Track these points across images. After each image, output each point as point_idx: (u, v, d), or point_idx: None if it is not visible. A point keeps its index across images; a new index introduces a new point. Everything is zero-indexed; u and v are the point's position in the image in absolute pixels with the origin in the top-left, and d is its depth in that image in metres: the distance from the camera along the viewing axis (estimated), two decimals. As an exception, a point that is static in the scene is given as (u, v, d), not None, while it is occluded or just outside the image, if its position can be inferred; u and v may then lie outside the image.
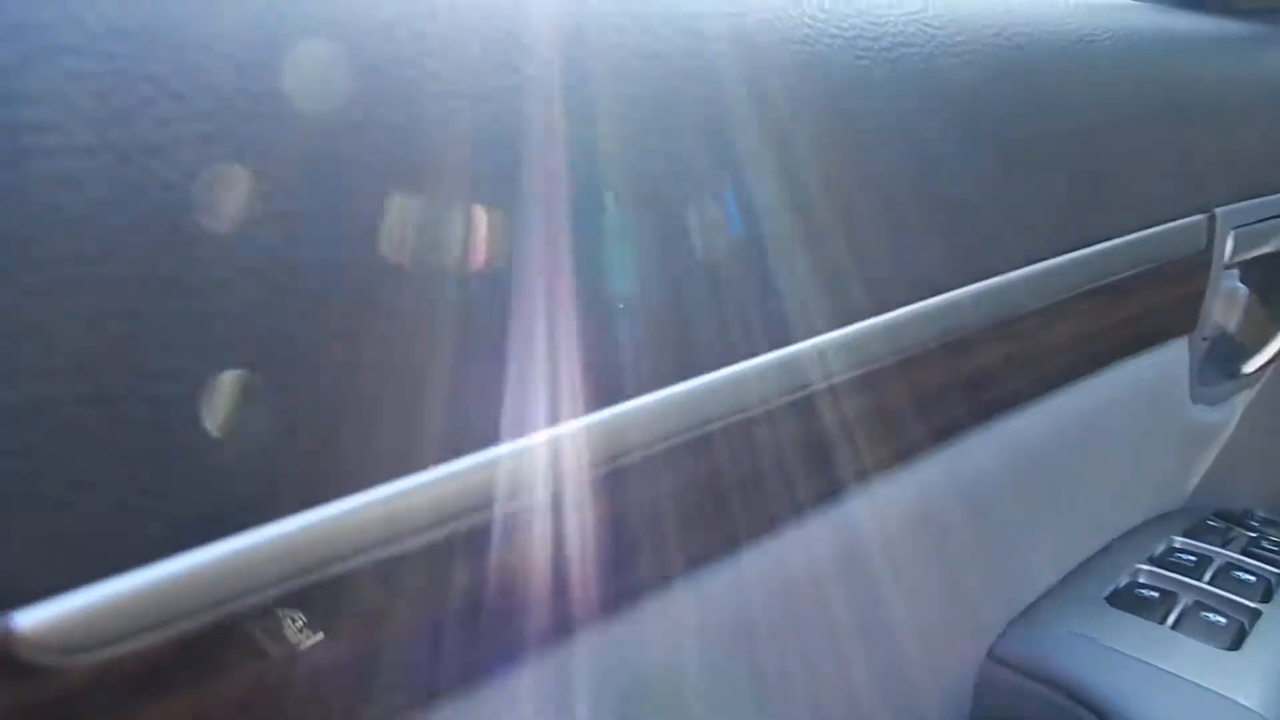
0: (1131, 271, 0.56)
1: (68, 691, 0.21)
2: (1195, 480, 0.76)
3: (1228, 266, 0.65)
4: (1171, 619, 0.58)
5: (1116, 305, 0.57)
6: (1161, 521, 0.73)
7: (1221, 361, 0.74)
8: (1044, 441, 0.55)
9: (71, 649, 0.20)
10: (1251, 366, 0.75)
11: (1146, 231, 0.57)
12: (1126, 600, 0.60)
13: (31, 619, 0.20)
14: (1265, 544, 0.71)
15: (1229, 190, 0.63)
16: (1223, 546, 0.70)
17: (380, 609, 0.26)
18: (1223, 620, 0.59)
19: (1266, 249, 0.69)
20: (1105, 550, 0.66)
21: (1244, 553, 0.69)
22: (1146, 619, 0.58)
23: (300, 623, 0.25)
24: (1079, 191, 0.51)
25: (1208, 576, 0.64)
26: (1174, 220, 0.59)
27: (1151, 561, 0.65)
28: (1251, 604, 0.61)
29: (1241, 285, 0.66)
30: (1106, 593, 0.60)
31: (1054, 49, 0.49)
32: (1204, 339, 0.66)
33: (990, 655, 0.54)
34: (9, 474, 0.19)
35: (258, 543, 0.23)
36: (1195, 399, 0.70)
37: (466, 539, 0.27)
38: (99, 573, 0.21)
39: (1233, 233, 0.64)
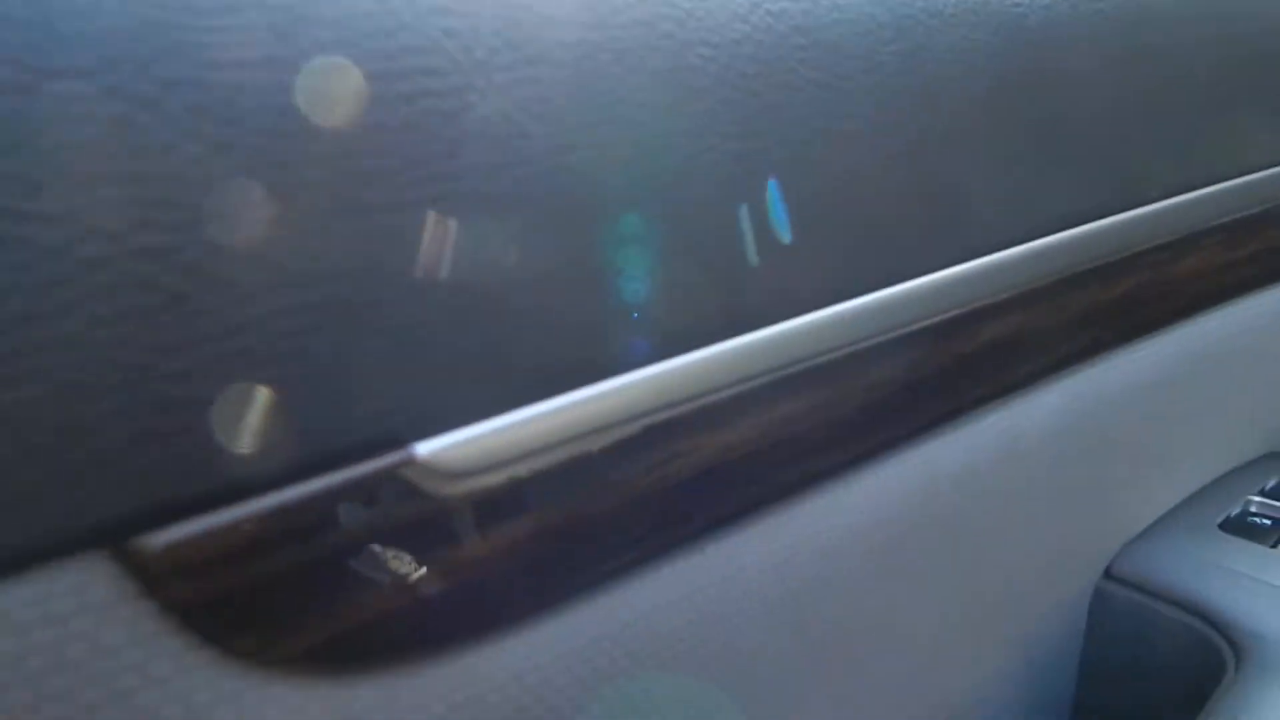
0: (1260, 208, 0.57)
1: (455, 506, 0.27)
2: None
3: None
4: (1283, 544, 0.60)
5: (1245, 240, 0.59)
6: (1270, 460, 0.74)
7: None
8: (1171, 370, 0.57)
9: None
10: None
11: (1275, 169, 0.58)
12: (1238, 526, 0.62)
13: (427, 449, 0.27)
14: (1260, 517, 0.71)
15: None
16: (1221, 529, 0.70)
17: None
18: None
19: None
20: (1219, 480, 0.68)
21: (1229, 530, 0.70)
22: (1258, 543, 0.60)
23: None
24: (1202, 134, 0.53)
25: None
26: None
27: (1264, 494, 0.67)
28: None
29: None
30: (1220, 520, 0.62)
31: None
32: None
33: (1106, 574, 0.56)
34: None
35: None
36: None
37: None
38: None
39: None
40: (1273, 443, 0.75)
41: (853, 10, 0.36)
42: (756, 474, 0.36)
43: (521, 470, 0.29)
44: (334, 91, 0.25)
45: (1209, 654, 0.52)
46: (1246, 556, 0.58)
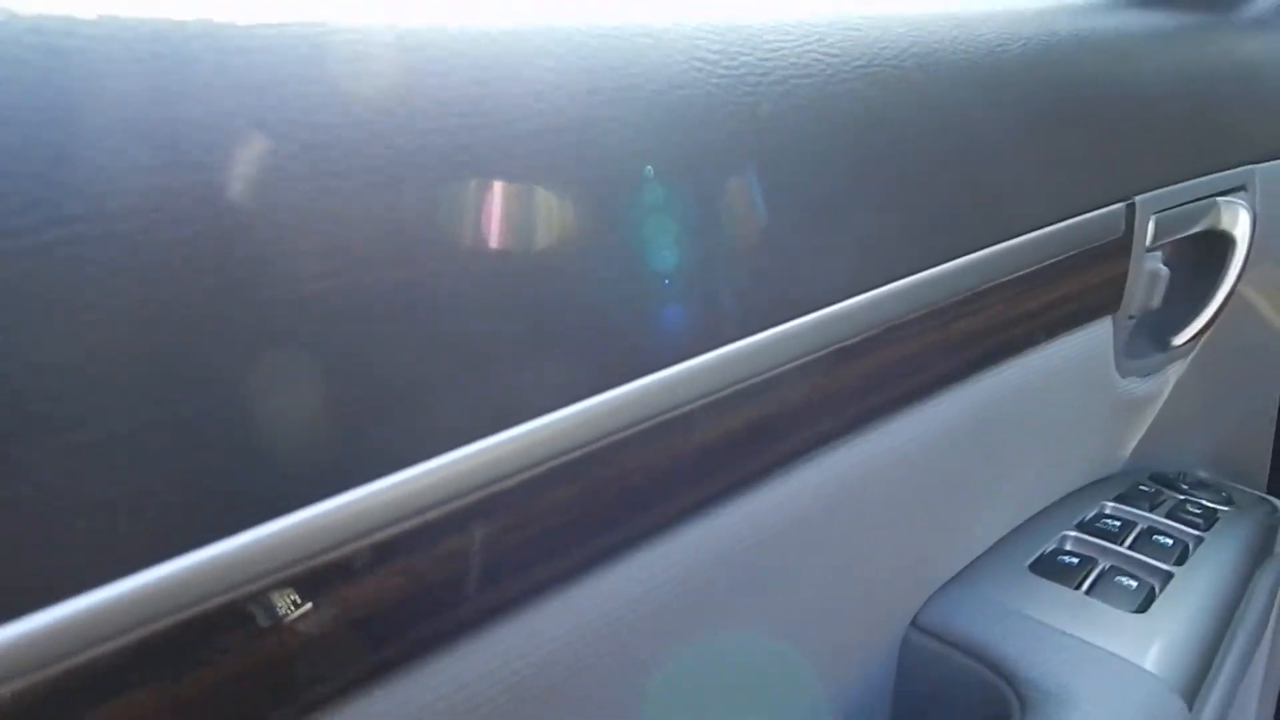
0: (1053, 260, 0.60)
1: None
2: (1130, 447, 0.81)
3: (1150, 249, 0.69)
4: (1087, 584, 0.63)
5: (1042, 290, 0.61)
6: (1096, 487, 0.77)
7: (1150, 337, 0.78)
8: (976, 419, 0.59)
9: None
10: (1180, 340, 0.79)
11: (1066, 222, 0.61)
12: (1047, 566, 0.64)
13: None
14: (1191, 507, 0.75)
15: (1148, 178, 0.67)
16: (1150, 510, 0.74)
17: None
18: (1134, 584, 0.63)
19: (1187, 232, 0.73)
20: (1037, 517, 0.71)
21: (1170, 515, 0.74)
22: (1063, 585, 0.62)
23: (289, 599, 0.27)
24: (996, 191, 0.55)
25: (1129, 540, 0.68)
26: (1094, 210, 0.63)
27: (1080, 527, 0.70)
28: (1165, 566, 0.66)
29: (1164, 267, 0.70)
30: (1030, 559, 0.65)
31: (959, 62, 0.52)
32: (1130, 317, 0.70)
33: (914, 623, 0.58)
34: None
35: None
36: (1124, 372, 0.74)
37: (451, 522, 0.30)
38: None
39: (1153, 218, 0.68)
40: (1091, 473, 0.78)
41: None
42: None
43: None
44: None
45: (999, 703, 0.54)
46: (1047, 601, 0.61)
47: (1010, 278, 0.57)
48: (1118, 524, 0.71)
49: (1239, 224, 0.77)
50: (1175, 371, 0.82)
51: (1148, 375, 0.78)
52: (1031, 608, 0.60)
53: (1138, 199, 0.66)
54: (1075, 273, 0.64)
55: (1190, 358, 0.83)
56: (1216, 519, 0.76)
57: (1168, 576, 0.65)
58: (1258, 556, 0.77)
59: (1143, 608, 0.61)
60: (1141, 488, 0.78)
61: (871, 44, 0.47)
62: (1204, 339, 0.82)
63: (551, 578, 0.35)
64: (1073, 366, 0.68)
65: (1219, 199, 0.76)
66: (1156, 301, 0.70)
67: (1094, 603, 0.61)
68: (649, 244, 0.36)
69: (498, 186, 0.31)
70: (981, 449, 0.61)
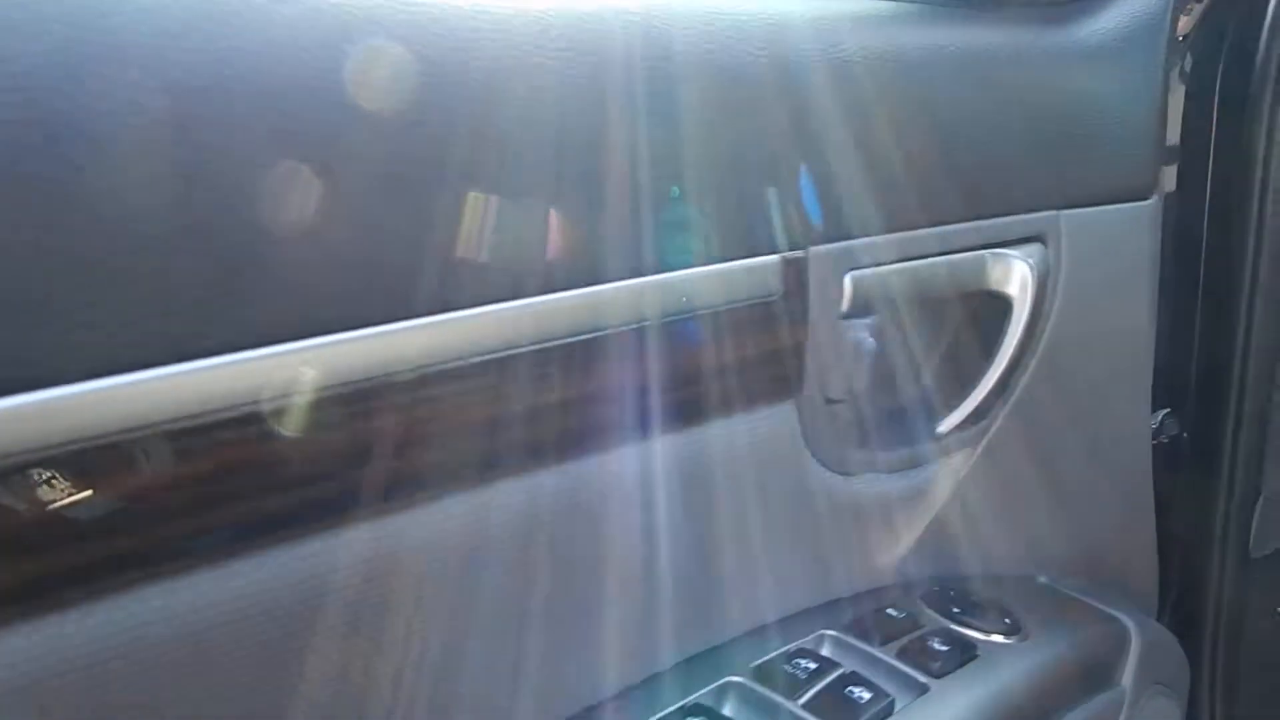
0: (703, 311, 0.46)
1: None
2: (897, 553, 0.65)
3: (847, 316, 0.54)
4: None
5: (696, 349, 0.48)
6: (825, 610, 0.62)
7: (912, 421, 0.62)
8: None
9: None
10: (945, 428, 0.63)
11: (714, 267, 0.47)
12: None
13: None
14: (936, 641, 0.59)
15: (836, 226, 0.52)
16: (882, 644, 0.59)
17: None
18: None
19: (935, 293, 0.58)
20: (722, 649, 0.56)
21: (902, 651, 0.58)
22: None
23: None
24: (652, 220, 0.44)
25: (806, 695, 0.53)
26: (743, 259, 0.49)
27: (756, 672, 0.55)
28: None
29: (868, 338, 0.55)
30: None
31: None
32: (831, 400, 0.55)
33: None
34: None
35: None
36: (849, 467, 0.59)
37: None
38: None
39: (849, 276, 0.53)
40: (813, 594, 0.62)
41: None
42: None
43: None
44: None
45: None
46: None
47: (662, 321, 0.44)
48: (811, 667, 0.55)
49: (1012, 282, 0.61)
50: (961, 463, 0.66)
51: (898, 470, 0.62)
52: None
53: (811, 251, 0.51)
54: (735, 335, 0.50)
55: (986, 444, 0.67)
56: (974, 657, 0.59)
57: None
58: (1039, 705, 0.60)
59: None
60: (890, 612, 0.62)
61: None
62: (999, 421, 0.66)
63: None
64: (761, 454, 0.53)
65: (987, 252, 0.61)
66: (858, 382, 0.55)
67: None
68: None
69: None
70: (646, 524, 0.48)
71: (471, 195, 0.39)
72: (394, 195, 0.37)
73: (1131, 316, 0.73)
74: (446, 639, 0.43)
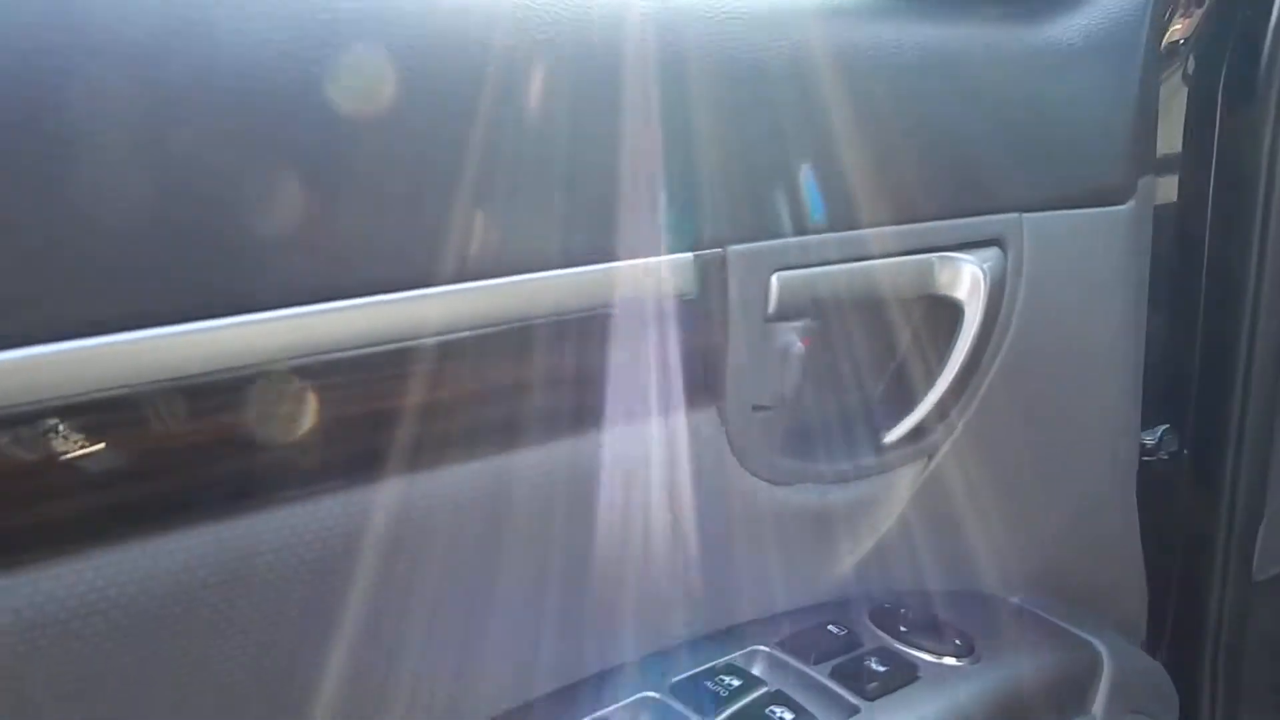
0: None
1: None
2: (831, 573, 0.62)
3: (772, 319, 0.51)
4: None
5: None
6: (764, 625, 0.59)
7: (839, 435, 0.60)
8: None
9: None
10: (894, 437, 0.61)
11: (624, 263, 0.45)
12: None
13: None
14: (874, 661, 0.57)
15: (750, 225, 0.50)
16: (816, 662, 0.56)
17: None
18: None
19: (840, 298, 0.55)
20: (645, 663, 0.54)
21: (836, 671, 0.56)
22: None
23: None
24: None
25: (723, 715, 0.51)
26: (655, 257, 0.47)
27: (675, 689, 0.52)
28: None
29: (796, 343, 0.52)
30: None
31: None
32: (759, 408, 0.53)
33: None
34: None
35: None
36: (787, 478, 0.56)
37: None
38: None
39: (776, 277, 0.51)
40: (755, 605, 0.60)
41: None
42: None
43: None
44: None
45: None
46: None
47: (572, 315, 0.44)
48: (733, 684, 0.53)
49: (962, 287, 0.59)
50: (917, 473, 0.64)
51: (848, 482, 0.60)
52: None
53: (730, 250, 0.49)
54: (654, 335, 0.48)
55: (943, 456, 0.64)
56: (914, 679, 0.57)
57: None
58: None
59: None
60: (831, 629, 0.59)
61: None
62: (957, 433, 0.64)
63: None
64: (683, 460, 0.51)
65: (934, 256, 0.58)
66: (787, 389, 0.53)
67: None
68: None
69: None
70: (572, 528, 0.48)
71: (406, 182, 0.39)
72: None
73: (1108, 326, 0.70)
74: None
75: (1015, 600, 0.75)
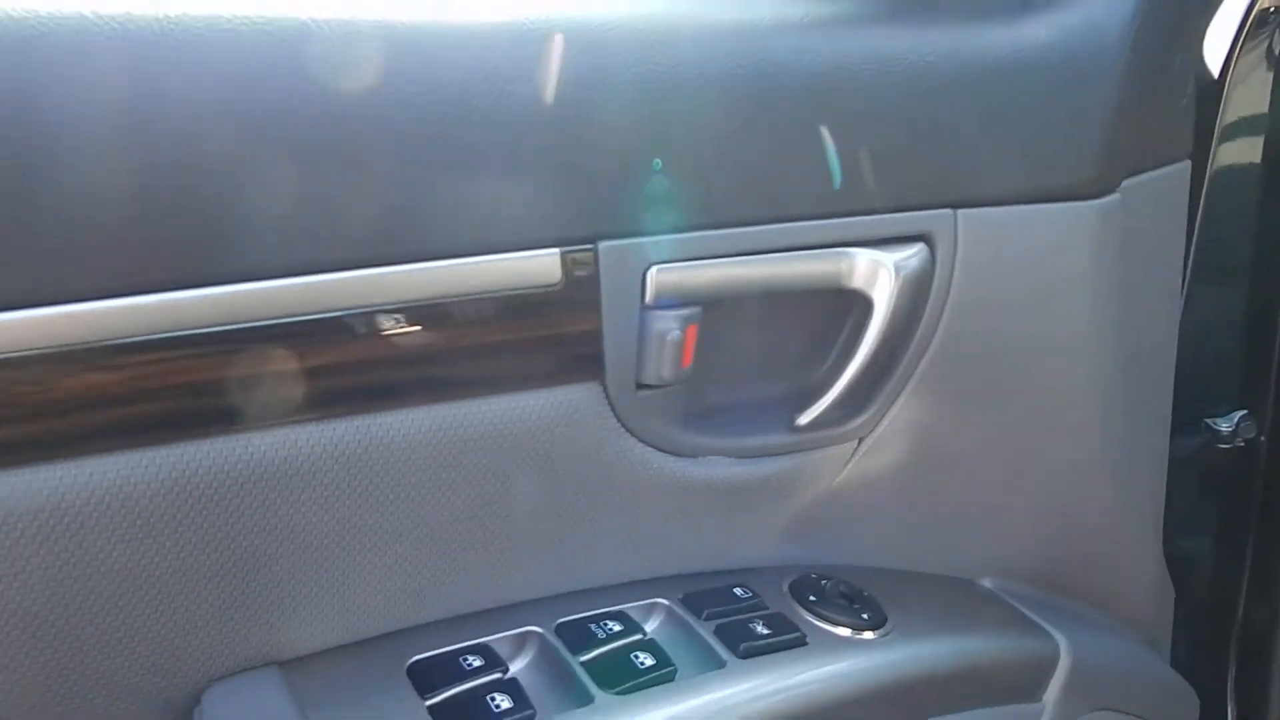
0: (483, 295, 0.52)
1: None
2: (751, 543, 0.67)
3: (652, 307, 0.57)
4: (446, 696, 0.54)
5: (481, 328, 0.53)
6: (676, 582, 0.65)
7: (747, 413, 0.64)
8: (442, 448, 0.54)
9: None
10: (806, 419, 0.64)
11: (491, 258, 0.52)
12: (426, 670, 0.55)
13: None
14: (761, 624, 0.61)
15: (623, 220, 0.55)
16: (703, 620, 0.61)
17: None
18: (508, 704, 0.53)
19: (726, 290, 0.59)
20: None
21: (721, 628, 0.61)
22: (421, 693, 0.54)
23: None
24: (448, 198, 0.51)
25: (591, 654, 0.57)
26: (523, 250, 0.53)
27: (560, 628, 0.59)
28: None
29: (675, 330, 0.57)
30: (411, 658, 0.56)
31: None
32: (643, 386, 0.58)
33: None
34: None
35: None
36: (688, 450, 0.62)
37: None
38: None
39: (654, 270, 0.56)
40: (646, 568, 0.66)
41: None
42: None
43: None
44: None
45: None
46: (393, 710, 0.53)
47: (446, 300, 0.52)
48: (613, 628, 0.59)
49: (871, 280, 0.62)
50: (844, 454, 0.67)
51: (761, 457, 0.64)
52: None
53: (602, 245, 0.55)
54: (525, 319, 0.55)
55: (874, 440, 0.67)
56: (800, 644, 0.61)
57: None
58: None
59: None
60: (737, 591, 0.64)
61: None
62: (887, 422, 0.67)
63: None
64: (564, 427, 0.57)
65: (834, 250, 0.61)
66: (667, 371, 0.58)
67: None
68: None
69: None
70: (454, 488, 0.56)
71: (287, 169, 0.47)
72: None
73: (1076, 318, 0.70)
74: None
75: (987, 584, 0.77)
